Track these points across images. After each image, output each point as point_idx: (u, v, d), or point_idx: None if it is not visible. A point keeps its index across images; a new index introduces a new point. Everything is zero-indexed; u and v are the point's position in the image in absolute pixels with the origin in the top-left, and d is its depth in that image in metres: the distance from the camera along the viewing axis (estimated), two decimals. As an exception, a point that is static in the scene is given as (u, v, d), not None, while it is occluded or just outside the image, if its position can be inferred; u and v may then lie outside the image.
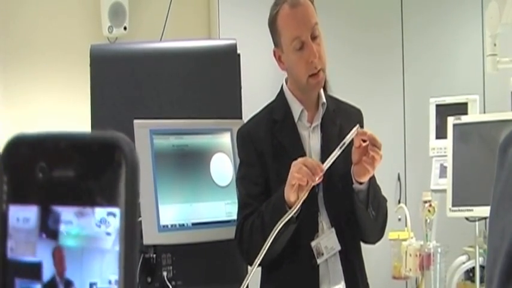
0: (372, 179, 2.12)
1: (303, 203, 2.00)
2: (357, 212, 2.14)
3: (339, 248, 2.17)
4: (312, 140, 2.23)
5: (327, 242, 2.16)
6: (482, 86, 4.71)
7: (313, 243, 2.15)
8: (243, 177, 2.25)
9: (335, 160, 1.96)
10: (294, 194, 1.95)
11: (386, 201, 2.29)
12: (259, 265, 2.18)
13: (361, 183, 2.09)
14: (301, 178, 1.92)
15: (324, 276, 2.17)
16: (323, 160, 2.02)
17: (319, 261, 2.15)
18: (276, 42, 2.23)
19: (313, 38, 2.14)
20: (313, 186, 2.00)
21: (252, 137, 2.24)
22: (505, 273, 0.83)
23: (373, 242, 2.32)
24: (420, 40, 4.79)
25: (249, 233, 2.10)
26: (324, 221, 2.18)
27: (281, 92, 2.31)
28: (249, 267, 1.93)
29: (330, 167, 1.98)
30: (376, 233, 2.28)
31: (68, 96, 4.58)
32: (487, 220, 1.08)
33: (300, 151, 2.15)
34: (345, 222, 2.19)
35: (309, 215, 2.13)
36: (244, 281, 1.60)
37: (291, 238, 2.08)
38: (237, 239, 2.17)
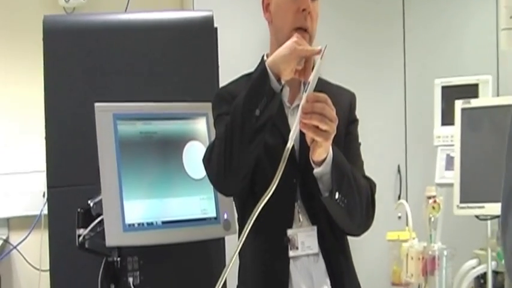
0: (338, 159, 2.05)
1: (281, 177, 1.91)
2: (325, 202, 2.11)
3: (316, 250, 2.19)
4: (291, 122, 2.23)
5: (304, 237, 2.18)
6: (496, 65, 4.74)
7: (289, 231, 2.17)
8: (221, 115, 2.17)
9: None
10: (290, 64, 1.91)
11: (374, 184, 2.24)
12: (236, 172, 2.08)
13: (320, 165, 2.05)
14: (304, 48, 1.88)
15: (305, 275, 2.19)
16: (301, 145, 2.07)
17: (291, 253, 2.17)
18: None
19: None
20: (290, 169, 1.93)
21: (233, 96, 2.20)
22: None
23: (357, 234, 2.29)
24: (423, 11, 4.79)
25: (219, 141, 2.00)
26: (302, 214, 2.19)
27: (261, 64, 2.29)
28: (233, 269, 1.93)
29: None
30: (355, 223, 2.23)
31: (19, 74, 4.54)
32: (500, 218, 1.10)
33: (279, 127, 2.13)
34: (325, 222, 2.19)
35: (285, 203, 2.15)
36: (223, 274, 1.60)
37: (265, 225, 2.06)
38: (207, 157, 2.07)
